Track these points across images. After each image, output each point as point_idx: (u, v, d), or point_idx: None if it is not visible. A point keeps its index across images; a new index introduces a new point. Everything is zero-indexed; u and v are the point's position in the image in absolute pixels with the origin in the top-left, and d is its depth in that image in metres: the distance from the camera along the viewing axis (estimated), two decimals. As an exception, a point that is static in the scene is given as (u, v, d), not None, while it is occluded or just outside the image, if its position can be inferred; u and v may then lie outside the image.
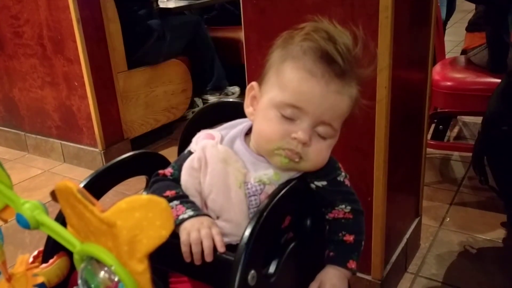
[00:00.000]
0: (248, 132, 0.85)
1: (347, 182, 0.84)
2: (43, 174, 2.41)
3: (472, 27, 2.12)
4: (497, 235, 1.68)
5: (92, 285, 0.55)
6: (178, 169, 0.83)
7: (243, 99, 0.86)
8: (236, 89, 3.17)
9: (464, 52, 2.25)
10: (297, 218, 0.83)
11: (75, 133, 2.43)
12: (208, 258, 0.71)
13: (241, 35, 1.37)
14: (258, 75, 0.83)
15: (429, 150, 1.98)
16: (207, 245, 0.71)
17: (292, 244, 0.80)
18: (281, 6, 1.22)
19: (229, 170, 0.79)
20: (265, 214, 0.71)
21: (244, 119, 0.86)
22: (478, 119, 1.98)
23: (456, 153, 2.32)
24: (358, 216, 0.84)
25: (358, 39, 0.76)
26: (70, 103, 2.37)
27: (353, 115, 0.80)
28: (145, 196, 0.51)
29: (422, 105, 1.50)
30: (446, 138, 2.39)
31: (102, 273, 0.55)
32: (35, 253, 0.79)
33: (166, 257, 0.74)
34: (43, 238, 0.77)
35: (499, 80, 1.66)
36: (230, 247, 0.73)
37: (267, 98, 0.78)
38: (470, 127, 2.61)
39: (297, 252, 0.81)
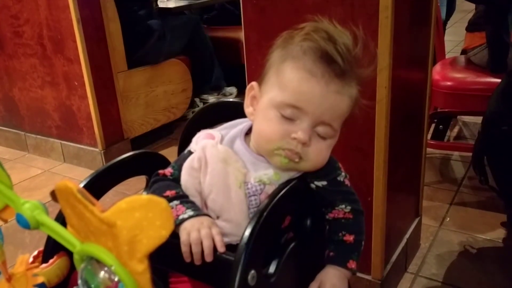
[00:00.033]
0: (248, 132, 0.85)
1: (347, 182, 0.84)
2: (43, 174, 2.41)
3: (472, 27, 2.12)
4: (497, 235, 1.68)
5: (92, 285, 0.55)
6: (178, 169, 0.83)
7: (243, 99, 0.86)
8: (233, 90, 3.17)
9: (464, 52, 2.25)
10: (297, 218, 0.83)
11: (75, 133, 2.43)
12: (208, 258, 0.71)
13: (241, 35, 1.37)
14: (258, 75, 0.82)
15: (429, 150, 1.98)
16: (207, 245, 0.71)
17: (292, 244, 0.80)
18: (281, 6, 1.22)
19: (229, 170, 0.79)
20: (265, 214, 0.71)
21: (244, 119, 0.86)
22: (478, 119, 1.98)
23: (456, 153, 2.32)
24: (358, 216, 0.84)
25: (358, 39, 0.76)
26: (70, 103, 2.37)
27: (353, 115, 0.80)
28: (145, 196, 0.51)
29: (422, 105, 1.50)
30: (446, 138, 2.39)
31: (102, 273, 0.55)
32: (35, 253, 0.79)
33: (166, 257, 0.74)
34: (43, 238, 0.77)
35: (499, 80, 1.66)
36: (230, 247, 0.73)
37: (267, 98, 0.78)
38: (470, 127, 2.61)
39: (297, 252, 0.81)
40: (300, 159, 0.77)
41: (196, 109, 2.79)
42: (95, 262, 0.55)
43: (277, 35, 0.80)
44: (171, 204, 0.76)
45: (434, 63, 2.14)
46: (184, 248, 0.72)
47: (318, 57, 0.73)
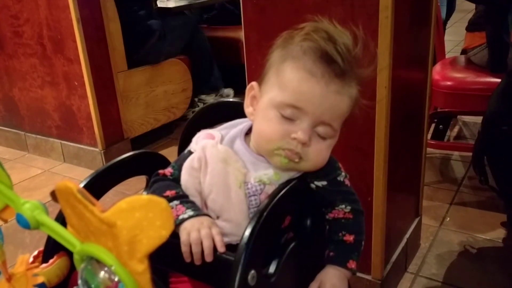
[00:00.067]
0: (248, 132, 0.85)
1: (347, 182, 0.84)
2: (43, 174, 2.41)
3: (472, 26, 2.12)
4: (497, 235, 1.68)
5: (92, 285, 0.55)
6: (178, 169, 0.83)
7: (243, 99, 0.86)
8: (230, 92, 3.16)
9: (464, 51, 2.25)
10: (297, 218, 0.83)
11: (75, 133, 2.43)
12: (208, 258, 0.71)
13: (241, 34, 1.37)
14: (258, 75, 0.82)
15: (429, 149, 1.98)
16: (207, 245, 0.71)
17: (292, 244, 0.81)
18: (281, 6, 1.22)
19: (229, 170, 0.79)
20: (265, 214, 0.71)
21: (244, 119, 0.86)
22: (478, 119, 1.98)
23: (456, 153, 2.32)
24: (358, 216, 0.84)
25: (358, 39, 0.76)
26: (70, 102, 2.37)
27: (353, 115, 0.80)
28: (145, 196, 0.51)
29: (422, 105, 1.50)
30: (446, 138, 2.39)
31: (102, 273, 0.55)
32: (35, 253, 0.79)
33: (166, 257, 0.74)
34: (43, 238, 0.77)
35: (499, 80, 1.66)
36: (230, 247, 0.73)
37: (267, 98, 0.78)
38: (470, 126, 2.61)
39: (297, 252, 0.81)
40: (300, 159, 0.77)
41: (196, 109, 2.79)
42: (95, 262, 0.55)
43: (277, 35, 0.80)
44: (171, 204, 0.76)
45: (434, 63, 2.14)
46: (184, 248, 0.72)
47: (318, 57, 0.73)
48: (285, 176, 0.79)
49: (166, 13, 2.81)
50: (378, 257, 1.31)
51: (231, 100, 1.04)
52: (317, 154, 0.78)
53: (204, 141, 0.82)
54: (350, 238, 0.83)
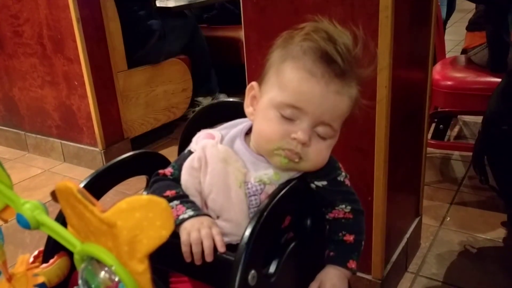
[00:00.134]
0: (248, 132, 0.85)
1: (347, 182, 0.84)
2: (43, 174, 2.41)
3: (472, 26, 2.12)
4: (498, 234, 1.68)
5: (93, 285, 0.55)
6: (178, 168, 0.83)
7: (243, 99, 0.86)
8: (225, 97, 3.16)
9: (464, 51, 2.25)
10: (297, 218, 0.83)
11: (75, 133, 2.43)
12: (209, 258, 0.71)
13: (241, 34, 1.37)
14: (258, 75, 0.82)
15: (429, 149, 1.98)
16: (207, 245, 0.71)
17: (292, 244, 0.81)
18: (281, 5, 1.22)
19: (229, 169, 0.79)
20: (265, 214, 0.71)
21: (244, 119, 0.86)
22: (479, 119, 1.98)
23: (456, 153, 2.32)
24: (358, 216, 0.84)
25: (358, 39, 0.76)
26: (70, 102, 2.37)
27: (353, 115, 0.79)
28: (145, 196, 0.51)
29: (422, 105, 1.50)
30: (446, 138, 2.39)
31: (102, 273, 0.55)
32: (36, 253, 0.79)
33: (167, 257, 0.74)
34: (43, 238, 0.77)
35: (499, 80, 1.66)
36: (230, 247, 0.73)
37: (267, 98, 0.78)
38: (470, 126, 2.61)
39: (297, 252, 0.81)
40: (300, 159, 0.77)
41: (197, 109, 2.79)
42: (96, 262, 0.55)
43: (277, 35, 0.80)
44: (171, 204, 0.76)
45: (434, 62, 2.14)
46: (184, 248, 0.72)
47: (318, 57, 0.73)
48: (285, 176, 0.79)
49: (166, 13, 2.81)
50: (378, 257, 1.31)
51: (231, 100, 1.04)
52: (317, 154, 0.77)
53: (204, 141, 0.82)
54: (350, 238, 0.83)
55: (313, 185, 0.82)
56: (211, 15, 3.60)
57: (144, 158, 0.96)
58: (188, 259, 0.72)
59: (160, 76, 2.66)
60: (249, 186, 0.79)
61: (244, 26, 1.30)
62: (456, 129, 2.59)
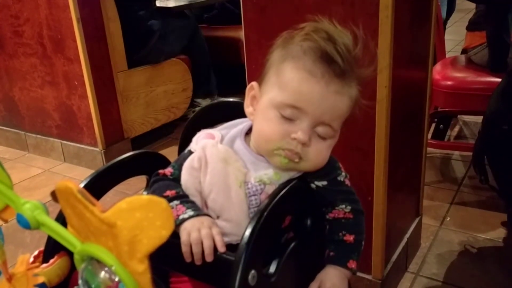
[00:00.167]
0: (248, 132, 0.85)
1: (347, 182, 0.84)
2: (43, 174, 2.41)
3: (472, 26, 2.12)
4: (498, 234, 1.68)
5: (93, 285, 0.55)
6: (178, 168, 0.83)
7: (243, 99, 0.86)
8: None
9: (464, 51, 2.25)
10: (297, 218, 0.83)
11: (75, 133, 2.43)
12: (209, 258, 0.71)
13: (241, 34, 1.37)
14: (258, 75, 0.82)
15: (429, 149, 1.98)
16: (207, 245, 0.71)
17: (293, 244, 0.81)
18: (281, 5, 1.22)
19: (229, 169, 0.79)
20: (265, 214, 0.71)
21: (244, 119, 0.86)
22: (479, 119, 1.99)
23: (456, 153, 2.32)
24: (358, 216, 0.84)
25: (358, 39, 0.76)
26: (70, 102, 2.37)
27: (353, 115, 0.79)
28: (145, 196, 0.51)
29: (422, 105, 1.50)
30: (446, 138, 2.39)
31: (102, 273, 0.55)
32: (36, 253, 0.79)
33: (167, 257, 0.74)
34: (43, 238, 0.77)
35: (499, 80, 1.66)
36: (231, 247, 0.73)
37: (267, 98, 0.78)
38: (470, 126, 2.61)
39: (298, 252, 0.81)
40: (300, 159, 0.77)
41: (197, 108, 2.79)
42: (96, 262, 0.55)
43: (277, 35, 0.80)
44: (171, 204, 0.76)
45: (435, 62, 2.14)
46: (184, 248, 0.72)
47: (318, 57, 0.73)
48: (285, 176, 0.79)
49: (166, 13, 2.81)
50: (378, 257, 1.31)
51: (231, 100, 1.04)
52: (317, 154, 0.77)
53: (204, 141, 0.82)
54: (350, 238, 0.83)
55: (313, 185, 0.82)
56: (211, 15, 3.60)
57: (144, 158, 0.96)
58: (188, 259, 0.72)
59: (160, 76, 2.66)
60: (249, 186, 0.79)
61: (244, 26, 1.30)
62: (456, 129, 2.59)
